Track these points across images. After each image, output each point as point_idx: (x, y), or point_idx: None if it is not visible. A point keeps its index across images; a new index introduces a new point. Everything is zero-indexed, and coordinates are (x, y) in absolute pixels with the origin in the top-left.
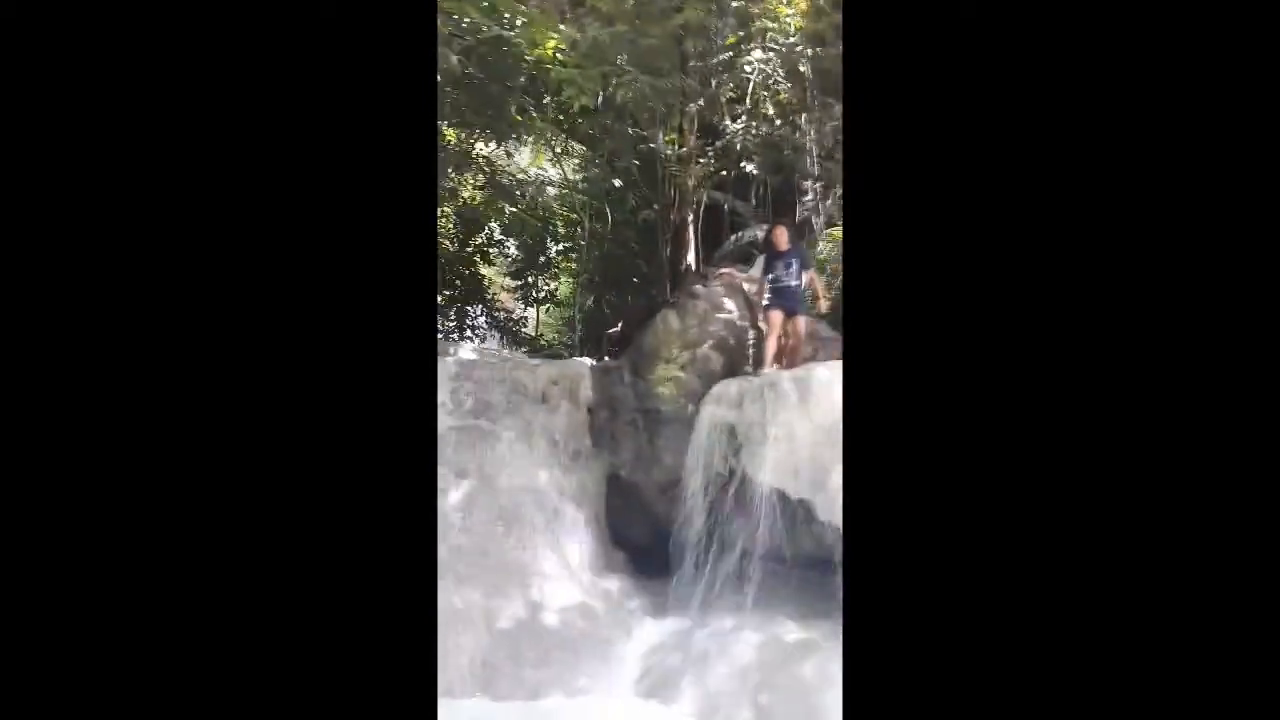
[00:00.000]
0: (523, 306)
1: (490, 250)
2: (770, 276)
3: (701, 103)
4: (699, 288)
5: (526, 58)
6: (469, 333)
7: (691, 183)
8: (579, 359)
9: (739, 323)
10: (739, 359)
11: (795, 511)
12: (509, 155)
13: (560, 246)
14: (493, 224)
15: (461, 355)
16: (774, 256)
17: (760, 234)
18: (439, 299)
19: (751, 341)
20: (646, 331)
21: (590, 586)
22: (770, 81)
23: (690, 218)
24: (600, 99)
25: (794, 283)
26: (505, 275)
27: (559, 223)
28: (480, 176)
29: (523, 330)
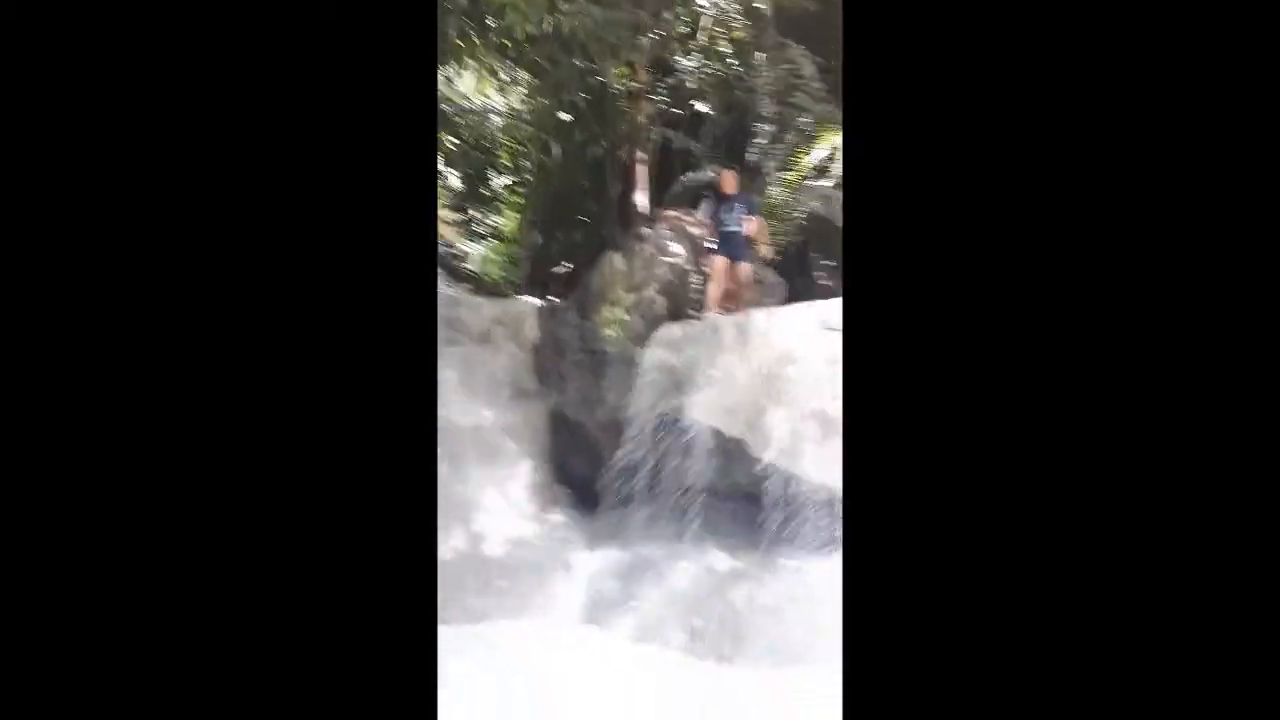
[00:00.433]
0: (465, 241)
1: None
2: (717, 220)
3: (654, 35)
4: (646, 230)
5: None
6: None
7: (642, 120)
8: (524, 297)
9: (684, 266)
10: (683, 302)
11: (730, 449)
12: (449, 82)
13: (506, 180)
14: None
15: None
16: (720, 201)
17: (711, 176)
18: None
19: (695, 285)
20: (593, 273)
21: (532, 519)
22: (725, 17)
23: (641, 156)
24: (547, 26)
25: (738, 228)
26: (446, 208)
27: (504, 154)
28: None
29: (464, 266)
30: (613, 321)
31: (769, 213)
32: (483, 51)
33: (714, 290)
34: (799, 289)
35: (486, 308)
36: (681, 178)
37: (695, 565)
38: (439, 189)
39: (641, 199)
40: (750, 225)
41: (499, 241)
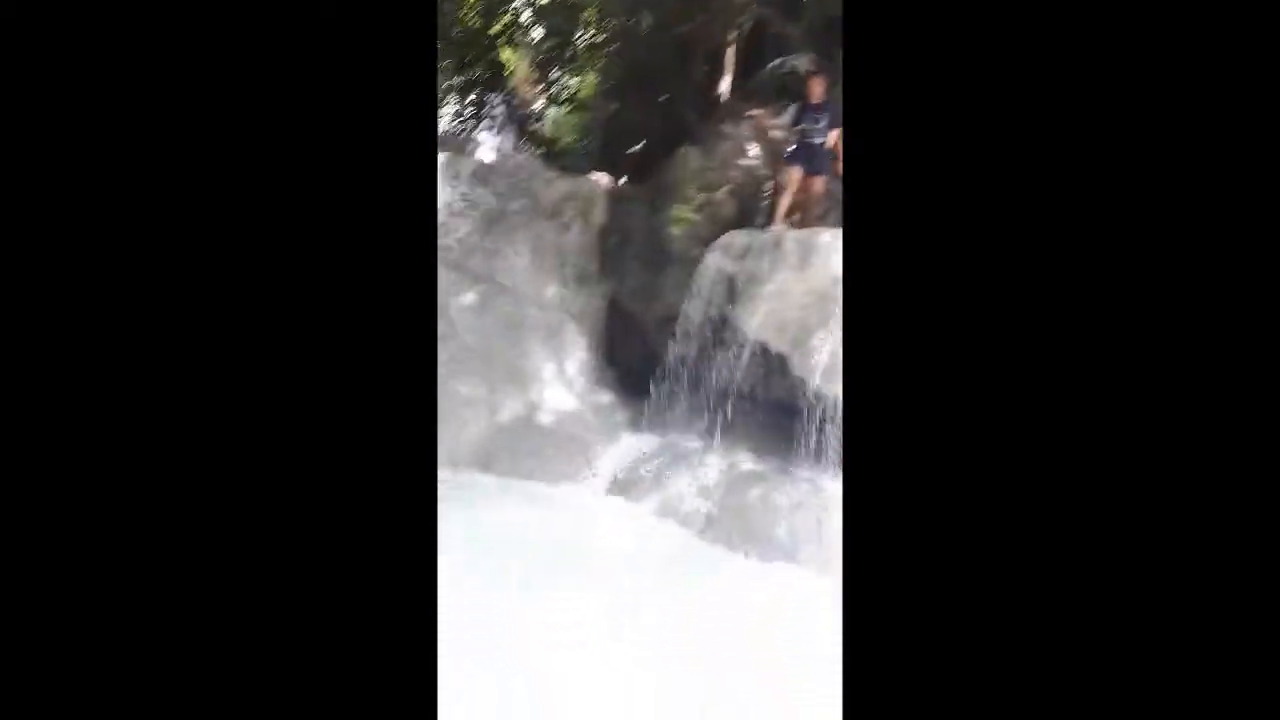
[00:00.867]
0: (543, 103)
1: (515, 34)
2: (799, 128)
3: None
4: (726, 127)
5: None
6: (486, 122)
7: (738, 1)
8: (594, 176)
9: (759, 171)
10: (752, 209)
11: (773, 362)
12: None
13: (590, 37)
14: (522, 10)
15: (481, 157)
16: (806, 108)
17: (802, 65)
18: (456, 80)
19: (767, 194)
20: (667, 165)
21: (582, 395)
22: None
23: (732, 36)
24: None
25: (819, 140)
26: (528, 64)
27: (592, 11)
28: None
29: (541, 130)
30: (680, 220)
31: None
32: None
33: (784, 202)
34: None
35: (559, 183)
36: (773, 62)
37: (722, 460)
38: (523, 43)
39: (725, 84)
40: (832, 137)
41: (575, 105)
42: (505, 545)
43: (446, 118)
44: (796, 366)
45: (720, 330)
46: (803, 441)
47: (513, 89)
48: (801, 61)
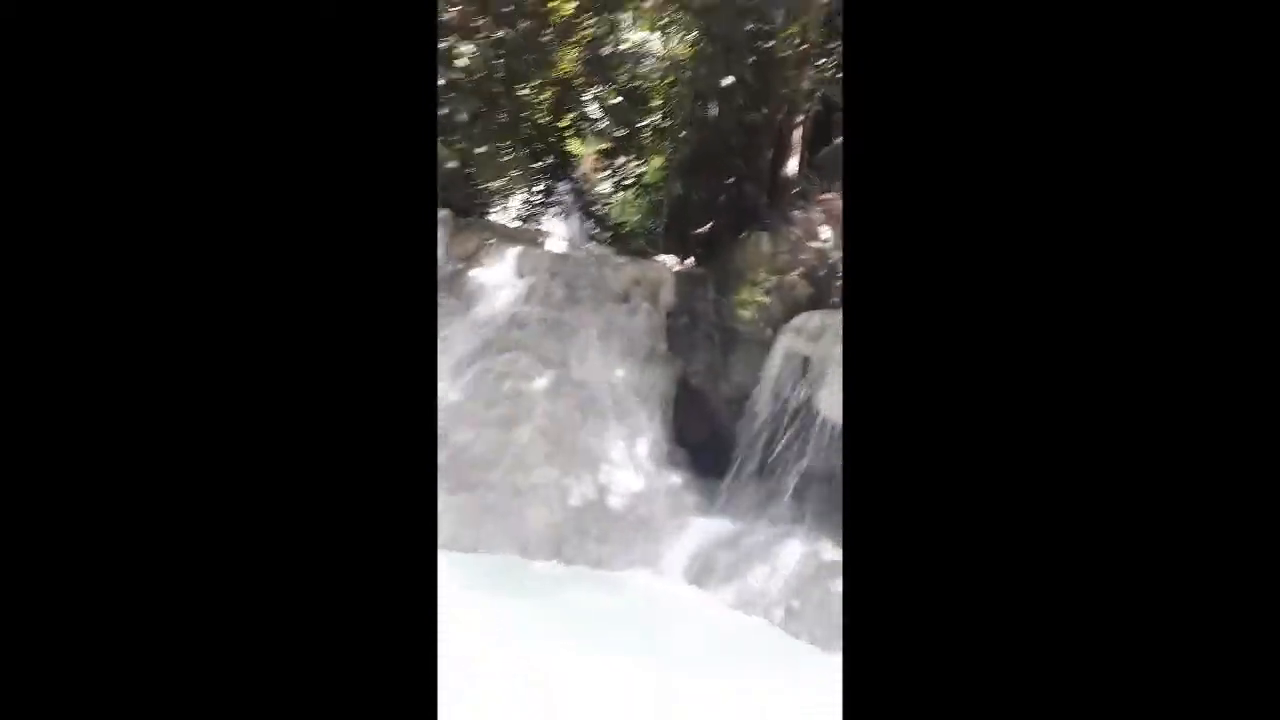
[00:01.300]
0: (610, 186)
1: (584, 126)
2: None
3: None
4: (797, 213)
5: None
6: (554, 209)
7: (807, 86)
8: (662, 259)
9: (833, 252)
10: (826, 290)
11: None
12: (613, 26)
13: (656, 120)
14: (589, 104)
15: (551, 247)
16: None
17: None
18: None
19: (840, 275)
20: (736, 249)
21: (653, 477)
22: None
23: (799, 120)
24: None
25: None
26: (595, 154)
27: (658, 100)
28: (582, 49)
29: (608, 215)
30: (750, 302)
31: None
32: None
33: None
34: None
35: (628, 268)
36: (838, 139)
37: (803, 547)
38: (590, 133)
39: (793, 165)
40: None
41: (641, 188)
42: (578, 634)
43: (515, 207)
44: None
45: (797, 412)
46: None
47: (581, 176)
48: None
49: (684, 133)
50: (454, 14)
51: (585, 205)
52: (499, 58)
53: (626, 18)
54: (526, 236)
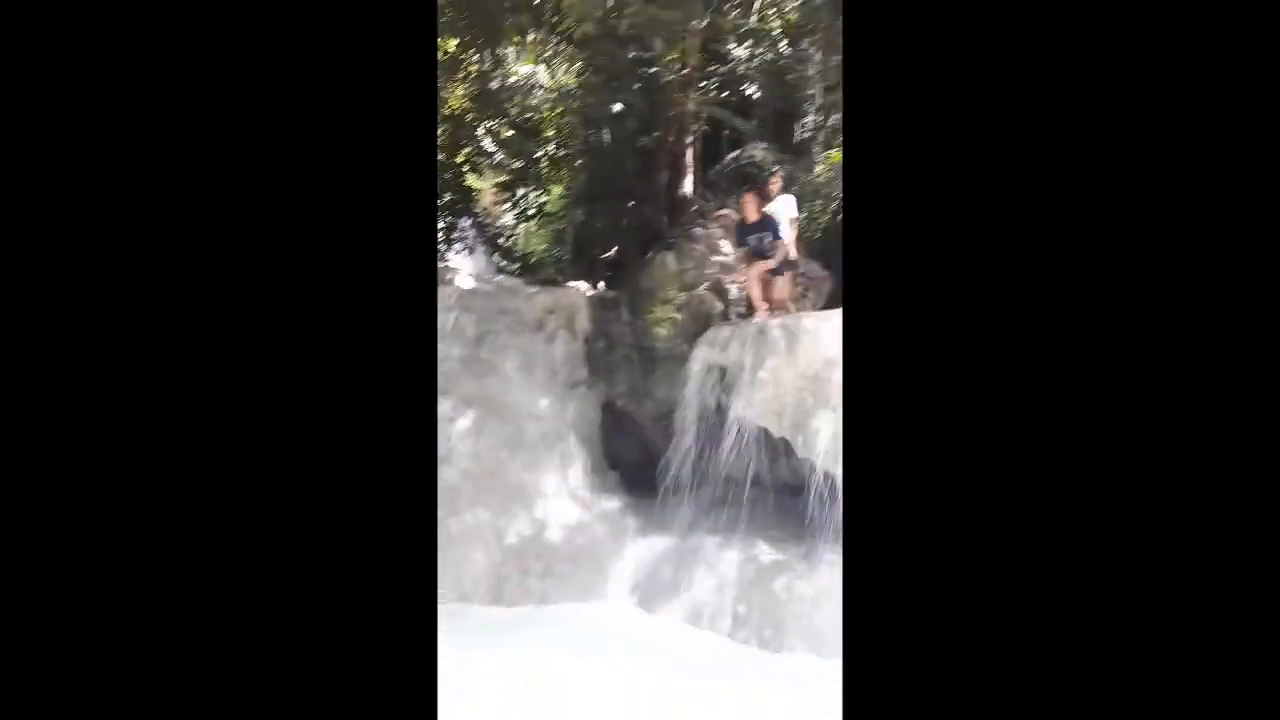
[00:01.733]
0: (512, 221)
1: (479, 160)
2: (744, 250)
3: (706, 21)
4: (698, 230)
5: None
6: (458, 245)
7: (692, 108)
8: (574, 285)
9: (733, 265)
10: (733, 300)
11: (777, 447)
12: (499, 62)
13: (552, 151)
14: (483, 138)
15: (460, 284)
16: (745, 229)
17: (759, 153)
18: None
19: (744, 285)
20: (644, 270)
21: (588, 505)
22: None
23: (689, 141)
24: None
25: (769, 254)
26: (494, 187)
27: (551, 130)
28: (470, 85)
29: (514, 246)
30: (664, 320)
31: (814, 193)
32: (538, 41)
33: (756, 292)
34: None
35: (540, 297)
36: (730, 155)
37: (739, 554)
38: (487, 166)
39: (688, 184)
40: (780, 251)
41: (543, 217)
42: (526, 679)
43: None
44: (801, 449)
45: (719, 422)
46: (819, 522)
47: (483, 210)
48: (757, 151)
49: (579, 161)
50: None
51: (490, 239)
52: None
53: (510, 52)
54: None
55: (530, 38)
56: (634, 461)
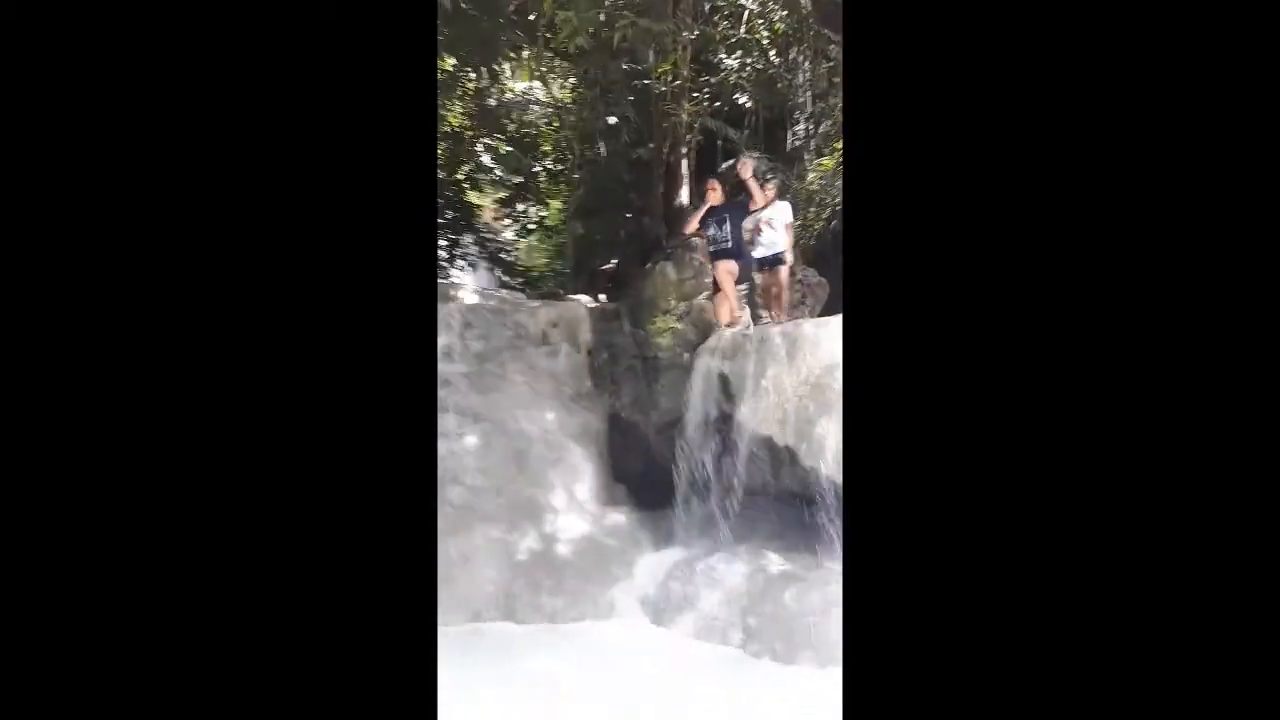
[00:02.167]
0: (512, 234)
1: (479, 177)
2: (709, 234)
3: (697, 33)
4: (696, 239)
5: None
6: (460, 262)
7: (686, 119)
8: (576, 299)
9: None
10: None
11: (781, 455)
12: (495, 78)
13: (550, 166)
14: (482, 154)
15: (465, 300)
16: (709, 213)
17: (752, 161)
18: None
19: (745, 293)
20: (645, 281)
21: (597, 518)
22: (766, 10)
23: (684, 151)
24: (594, 37)
25: (727, 242)
26: (495, 202)
27: (548, 145)
28: (468, 103)
29: (515, 261)
30: (665, 330)
31: (807, 199)
32: (531, 62)
33: (724, 299)
34: (837, 280)
35: (542, 311)
36: (724, 165)
37: (749, 566)
38: (487, 183)
39: (684, 194)
40: (768, 226)
41: (543, 231)
42: (540, 699)
43: None
44: (804, 456)
45: (724, 431)
46: (827, 530)
47: (484, 226)
48: (751, 159)
49: (577, 174)
50: None
51: (491, 254)
52: None
53: (506, 68)
54: (438, 293)
55: (525, 53)
56: (640, 473)
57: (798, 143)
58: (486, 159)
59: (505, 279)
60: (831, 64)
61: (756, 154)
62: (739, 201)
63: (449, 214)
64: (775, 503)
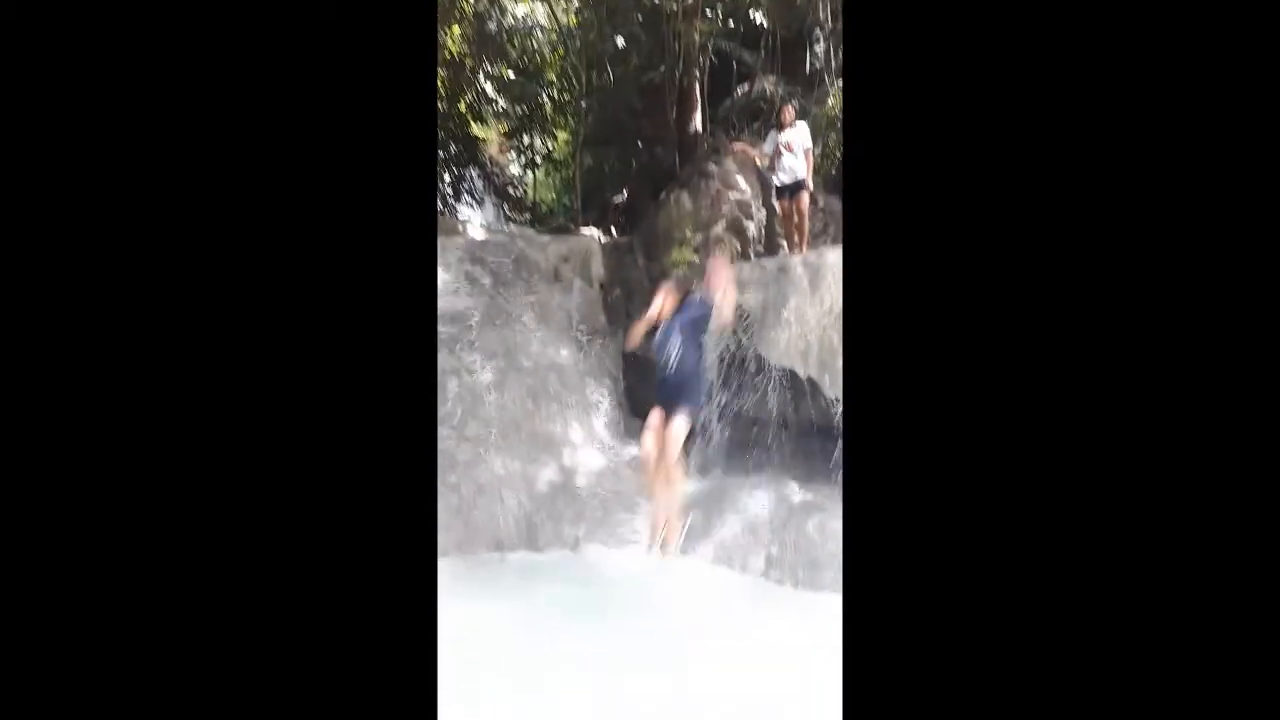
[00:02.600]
0: (519, 168)
1: (482, 108)
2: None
3: None
4: (711, 166)
5: None
6: (466, 197)
7: (697, 39)
8: (586, 232)
9: (750, 202)
10: (750, 239)
11: (804, 387)
12: (494, 0)
13: (556, 96)
14: (484, 82)
15: (471, 234)
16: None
17: (769, 86)
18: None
19: (763, 222)
20: (658, 212)
21: (616, 451)
22: None
23: (696, 75)
24: None
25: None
26: (499, 135)
27: (552, 73)
28: (467, 27)
29: (522, 195)
30: (681, 262)
31: (828, 124)
32: None
33: (791, 229)
34: None
35: (553, 245)
36: (739, 88)
37: (770, 494)
38: (490, 114)
39: (697, 120)
40: (803, 158)
41: (551, 164)
42: (564, 624)
43: None
44: (828, 388)
45: (743, 362)
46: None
47: (488, 159)
48: (768, 83)
49: (584, 103)
50: None
51: (498, 188)
52: None
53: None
54: (445, 228)
55: None
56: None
57: (818, 65)
58: (489, 88)
59: (512, 214)
60: None
61: (773, 77)
62: (696, 302)
63: (452, 147)
64: (797, 434)
